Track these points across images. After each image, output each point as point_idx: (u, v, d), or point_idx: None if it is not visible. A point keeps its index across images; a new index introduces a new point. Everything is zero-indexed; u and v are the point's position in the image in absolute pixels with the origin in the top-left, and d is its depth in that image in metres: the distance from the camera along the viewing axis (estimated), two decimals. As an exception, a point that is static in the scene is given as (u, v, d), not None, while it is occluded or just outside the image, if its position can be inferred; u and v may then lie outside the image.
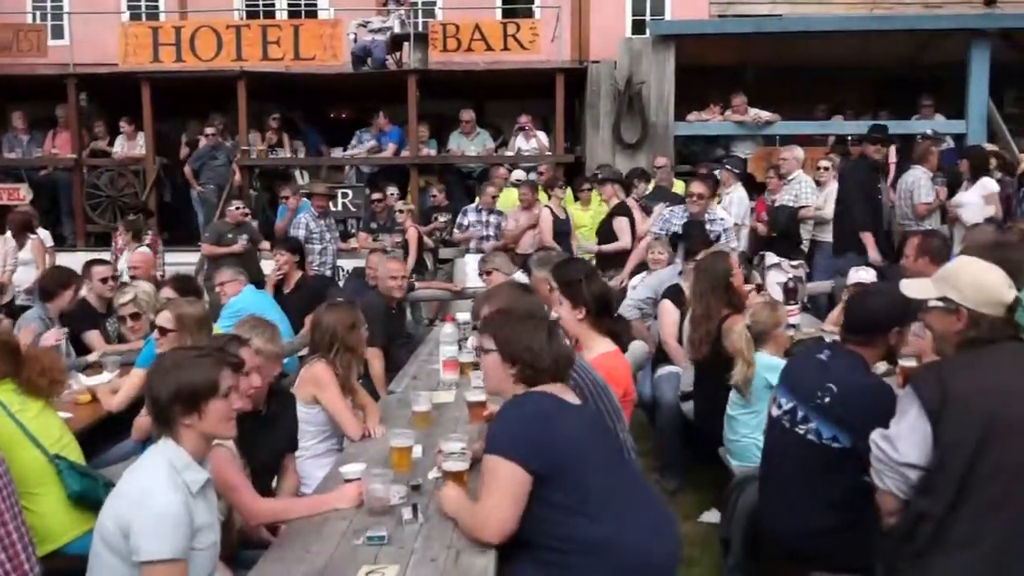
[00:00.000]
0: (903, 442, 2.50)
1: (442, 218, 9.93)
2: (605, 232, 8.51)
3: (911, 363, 3.99)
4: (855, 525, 3.00)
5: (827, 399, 3.08)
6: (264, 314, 5.39)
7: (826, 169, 8.78)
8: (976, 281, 2.59)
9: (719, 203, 8.56)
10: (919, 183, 8.36)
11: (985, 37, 10.93)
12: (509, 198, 9.71)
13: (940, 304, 2.63)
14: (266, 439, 3.44)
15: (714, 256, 5.11)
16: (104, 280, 6.01)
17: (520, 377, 2.70)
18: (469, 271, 8.62)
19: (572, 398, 2.72)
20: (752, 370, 4.06)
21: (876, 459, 2.58)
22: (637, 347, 6.19)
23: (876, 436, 2.61)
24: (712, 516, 4.63)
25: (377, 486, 2.86)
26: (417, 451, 3.41)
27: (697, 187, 7.20)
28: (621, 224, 8.32)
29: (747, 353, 4.10)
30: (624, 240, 8.19)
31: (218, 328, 4.93)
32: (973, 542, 2.38)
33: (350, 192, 11.37)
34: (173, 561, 2.32)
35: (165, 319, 4.10)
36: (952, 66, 11.21)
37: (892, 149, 10.87)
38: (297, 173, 12.02)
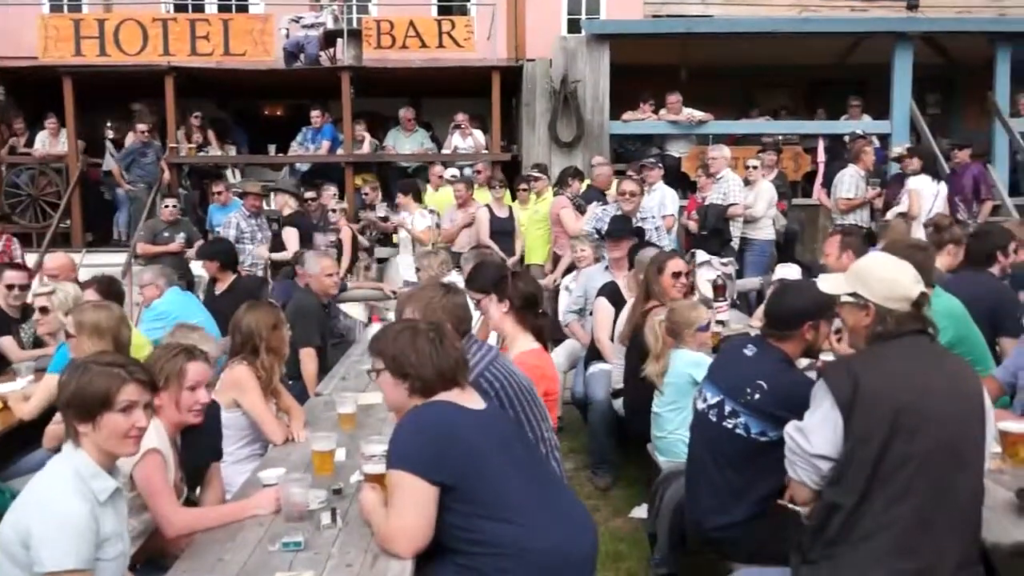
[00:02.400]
0: (815, 434, 2.55)
1: (378, 213, 9.78)
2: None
3: (830, 357, 4.05)
4: (777, 516, 3.04)
5: (757, 396, 3.12)
6: (189, 316, 5.33)
7: (755, 168, 8.93)
8: (884, 277, 2.64)
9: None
10: (842, 179, 8.60)
11: (908, 40, 11.22)
12: (444, 197, 9.67)
13: (851, 299, 2.67)
14: (189, 448, 3.35)
15: (647, 252, 5.21)
16: (10, 287, 5.78)
17: (413, 390, 2.67)
18: (402, 270, 8.56)
19: (475, 402, 2.69)
20: (662, 364, 4.09)
21: (790, 450, 2.62)
22: (570, 345, 6.23)
23: (790, 428, 2.65)
24: (642, 511, 4.66)
25: (295, 491, 2.80)
26: (340, 454, 3.36)
27: (628, 185, 7.26)
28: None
29: (657, 347, 4.13)
30: None
31: (138, 332, 4.80)
32: (881, 531, 2.42)
33: (284, 191, 11.18)
34: (78, 572, 2.24)
35: (68, 323, 3.97)
36: (878, 68, 11.49)
37: (820, 148, 11.15)
38: (229, 171, 11.81)
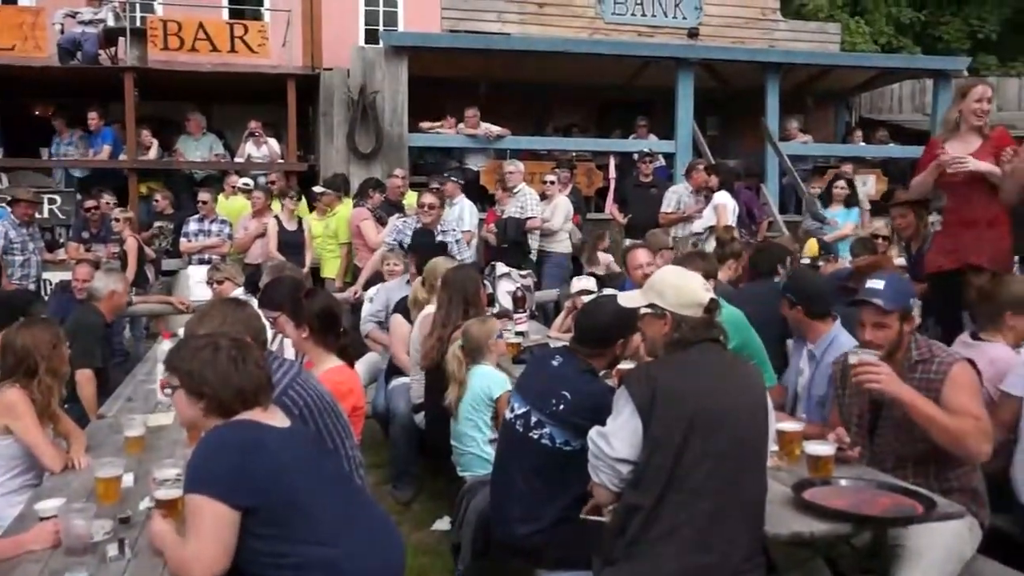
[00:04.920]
0: (616, 438, 2.64)
1: (159, 224, 9.31)
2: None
3: (628, 365, 4.23)
4: (580, 522, 3.12)
5: (561, 407, 3.19)
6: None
7: (552, 183, 9.20)
8: (676, 285, 2.79)
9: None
10: (668, 195, 9.06)
11: (689, 66, 11.97)
12: (235, 206, 9.32)
13: (649, 310, 2.81)
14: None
15: (461, 268, 5.19)
16: None
17: (209, 410, 2.54)
18: (193, 283, 8.16)
19: (280, 421, 2.59)
20: (463, 390, 4.14)
21: (592, 455, 2.70)
22: (371, 358, 6.15)
23: (593, 433, 2.73)
24: (444, 524, 4.66)
25: (77, 522, 2.59)
26: (128, 480, 3.15)
27: (428, 198, 7.28)
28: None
29: (458, 374, 4.18)
30: None
31: None
32: (678, 529, 2.54)
33: (58, 198, 10.39)
34: None
35: None
36: (663, 91, 12.18)
37: (612, 165, 11.67)
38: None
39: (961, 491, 3.12)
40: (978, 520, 3.13)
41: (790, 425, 3.30)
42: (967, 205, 4.94)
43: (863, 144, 12.90)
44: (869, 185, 11.58)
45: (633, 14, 14.28)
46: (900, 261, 6.60)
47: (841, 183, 9.33)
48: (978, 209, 4.90)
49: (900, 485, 2.96)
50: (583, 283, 6.06)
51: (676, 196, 9.10)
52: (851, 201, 9.17)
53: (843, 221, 8.93)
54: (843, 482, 2.95)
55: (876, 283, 3.28)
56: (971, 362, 3.21)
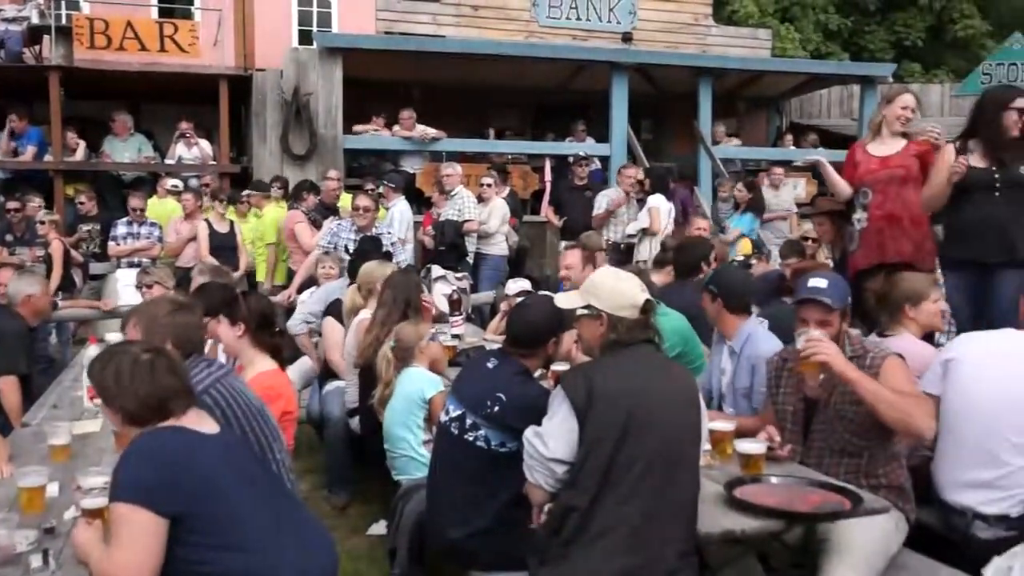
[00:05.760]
0: (552, 439, 2.65)
1: (86, 227, 9.07)
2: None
3: (563, 367, 4.25)
4: (516, 523, 3.12)
5: (497, 408, 3.19)
6: None
7: (489, 185, 9.21)
8: (612, 287, 2.82)
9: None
10: (599, 199, 9.13)
11: (623, 70, 12.10)
12: (166, 209, 9.13)
13: (585, 311, 2.83)
14: None
15: (407, 272, 5.20)
16: None
17: (127, 420, 2.49)
18: (121, 288, 7.96)
19: (208, 426, 2.54)
20: (389, 391, 4.13)
21: (528, 455, 2.71)
22: (303, 363, 6.08)
23: (529, 433, 2.74)
24: (380, 528, 4.62)
25: (-1, 533, 2.52)
26: (52, 489, 3.06)
27: (363, 201, 7.23)
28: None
29: (386, 374, 4.17)
30: None
31: None
32: (612, 529, 2.56)
33: (-22, 200, 10.04)
34: None
35: None
36: (598, 95, 12.29)
37: (548, 168, 11.73)
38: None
39: (889, 487, 3.22)
40: (904, 515, 3.23)
41: (721, 424, 3.35)
42: (890, 202, 5.14)
43: (793, 148, 13.20)
44: (800, 188, 11.85)
45: (568, 18, 14.38)
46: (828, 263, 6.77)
47: (739, 186, 9.56)
48: (900, 206, 5.10)
49: (829, 482, 3.03)
50: (519, 285, 6.08)
51: (607, 199, 9.19)
52: (752, 205, 9.36)
53: (735, 226, 9.13)
54: (774, 479, 3.02)
55: (819, 282, 3.34)
56: (901, 356, 3.32)
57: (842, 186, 5.41)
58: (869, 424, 3.18)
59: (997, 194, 4.53)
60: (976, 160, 4.58)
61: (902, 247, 5.11)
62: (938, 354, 3.77)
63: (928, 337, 4.27)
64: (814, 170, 12.81)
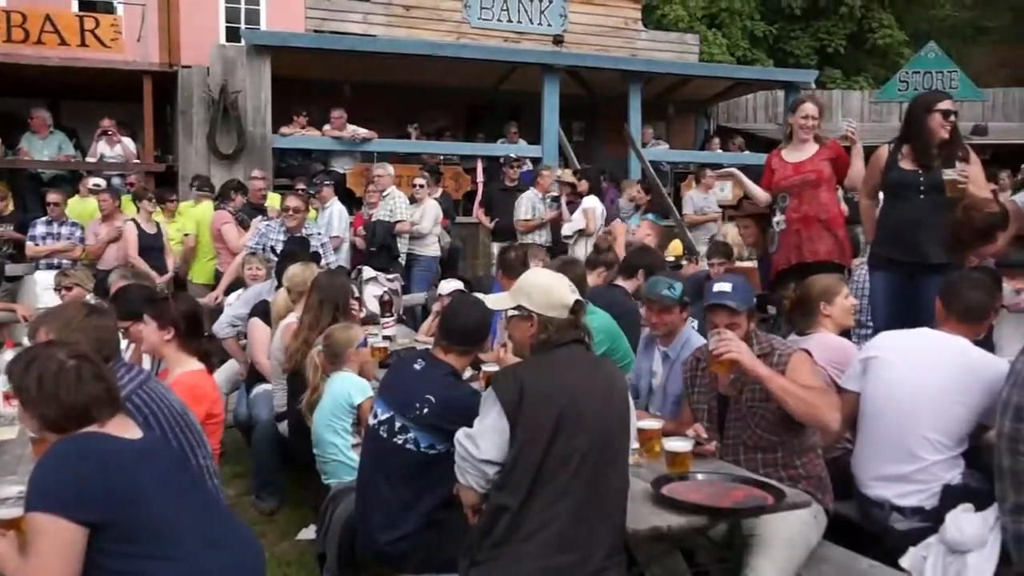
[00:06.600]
0: (484, 440, 2.64)
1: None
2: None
3: (492, 368, 4.26)
4: (447, 526, 3.12)
5: (426, 410, 3.18)
6: None
7: (421, 186, 9.18)
8: (542, 287, 2.83)
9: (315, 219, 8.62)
10: (521, 202, 9.15)
11: (555, 72, 12.17)
12: (89, 208, 8.88)
13: (516, 312, 2.84)
14: None
15: (335, 274, 5.13)
16: None
17: (46, 426, 2.41)
18: (40, 290, 7.71)
19: (131, 431, 2.48)
20: (316, 396, 4.09)
21: (459, 456, 2.70)
22: (230, 367, 5.97)
23: (460, 435, 2.73)
24: (309, 533, 4.58)
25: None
26: (-37, 500, 2.94)
27: (293, 201, 7.14)
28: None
29: (314, 379, 4.14)
30: None
31: None
32: (543, 528, 2.56)
33: None
34: None
35: None
36: (530, 97, 12.34)
37: (479, 169, 11.74)
38: None
39: (807, 478, 3.31)
40: (823, 507, 3.32)
41: (650, 423, 3.40)
42: (804, 205, 5.38)
43: (720, 151, 13.42)
44: (727, 191, 12.05)
45: (499, 19, 14.41)
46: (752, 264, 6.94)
47: (638, 188, 9.75)
48: (814, 208, 5.35)
49: (753, 478, 3.10)
50: (452, 286, 6.07)
51: (529, 203, 9.23)
52: (651, 207, 9.54)
53: (632, 225, 9.29)
54: (700, 476, 3.07)
55: (724, 286, 3.45)
56: (807, 351, 3.44)
57: (760, 193, 5.63)
58: (779, 419, 3.29)
59: (921, 196, 4.71)
60: (906, 163, 4.77)
61: (817, 247, 5.34)
62: (859, 352, 3.88)
63: (844, 334, 4.41)
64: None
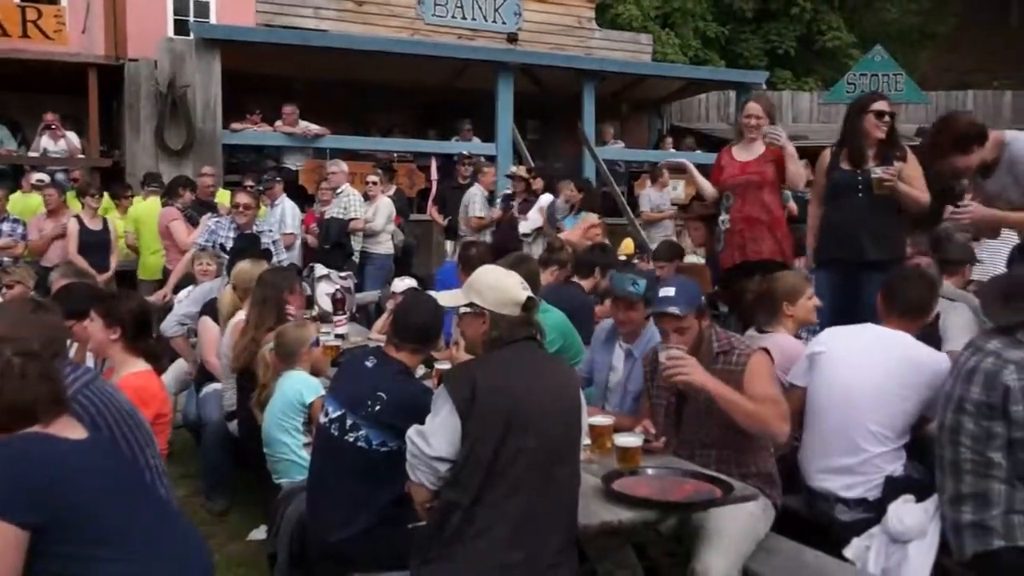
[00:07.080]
0: (435, 437, 2.64)
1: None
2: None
3: (445, 365, 4.26)
4: (398, 523, 3.11)
5: (377, 407, 3.16)
6: None
7: (375, 184, 9.12)
8: (494, 285, 2.83)
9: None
10: (474, 199, 9.12)
11: (509, 70, 12.18)
12: (32, 204, 8.69)
13: (468, 310, 2.84)
14: None
15: (279, 270, 5.10)
16: None
17: None
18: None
19: (76, 432, 2.42)
20: (267, 394, 4.06)
21: (411, 454, 2.70)
22: (179, 366, 5.88)
23: (412, 433, 2.72)
24: (261, 533, 4.53)
25: None
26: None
27: (243, 198, 7.05)
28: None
29: (264, 377, 4.10)
30: None
31: None
32: (494, 525, 2.57)
33: None
34: None
35: None
36: (485, 94, 12.33)
37: (434, 167, 11.70)
38: None
39: (758, 475, 3.36)
40: (771, 501, 3.37)
41: (600, 419, 3.41)
42: (748, 205, 5.45)
43: (673, 150, 13.54)
44: (679, 190, 12.16)
45: (453, 16, 14.37)
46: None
47: (572, 187, 9.77)
48: (757, 208, 5.43)
49: (701, 472, 3.13)
50: (406, 283, 6.04)
51: (482, 200, 9.21)
52: (583, 206, 9.57)
53: (569, 225, 9.33)
54: (650, 471, 3.09)
55: (667, 291, 3.44)
56: (767, 351, 3.45)
57: (708, 188, 5.71)
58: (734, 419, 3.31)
59: (860, 195, 4.81)
60: (846, 164, 4.88)
61: (760, 247, 5.41)
62: (805, 348, 3.95)
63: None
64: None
